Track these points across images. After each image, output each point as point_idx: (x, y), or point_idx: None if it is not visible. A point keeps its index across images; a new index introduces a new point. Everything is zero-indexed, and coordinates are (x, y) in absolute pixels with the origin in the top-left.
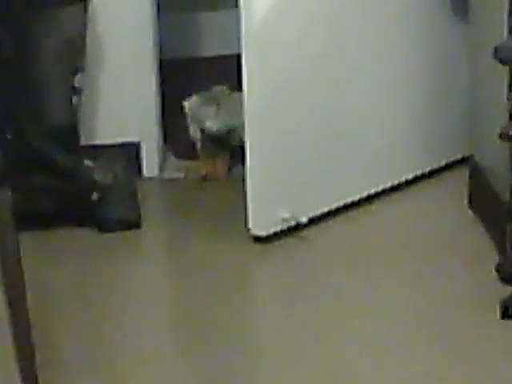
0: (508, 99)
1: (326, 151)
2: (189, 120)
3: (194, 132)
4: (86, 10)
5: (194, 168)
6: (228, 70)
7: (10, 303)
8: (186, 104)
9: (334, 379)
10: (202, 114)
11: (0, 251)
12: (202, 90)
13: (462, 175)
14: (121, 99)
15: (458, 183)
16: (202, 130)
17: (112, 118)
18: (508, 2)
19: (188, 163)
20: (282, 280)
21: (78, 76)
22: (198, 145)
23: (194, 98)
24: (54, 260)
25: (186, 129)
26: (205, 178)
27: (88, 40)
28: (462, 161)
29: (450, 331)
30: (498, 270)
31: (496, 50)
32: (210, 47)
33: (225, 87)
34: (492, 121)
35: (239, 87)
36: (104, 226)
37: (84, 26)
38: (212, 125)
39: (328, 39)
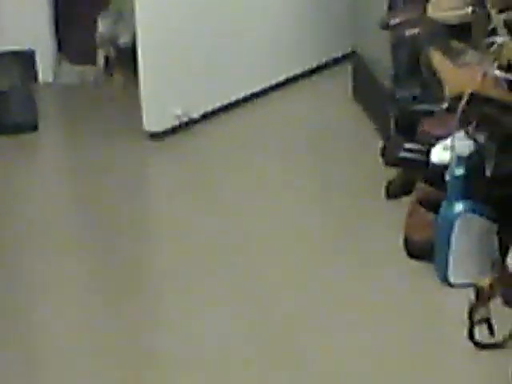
0: None
1: (214, 48)
2: (101, 40)
3: (107, 50)
4: None
5: (88, 72)
6: None
7: None
8: (100, 27)
9: (216, 255)
10: (116, 31)
11: None
12: None
13: (348, 70)
14: (15, 8)
15: (343, 78)
16: (116, 46)
17: (6, 27)
18: None
19: (82, 68)
20: (176, 172)
21: None
22: (111, 60)
23: (105, 19)
24: None
25: (80, 34)
26: (125, 87)
27: None
28: (347, 56)
29: (340, 212)
30: (382, 154)
31: None
32: None
33: None
34: (373, 13)
35: None
36: (2, 130)
37: None
38: (125, 39)
39: None
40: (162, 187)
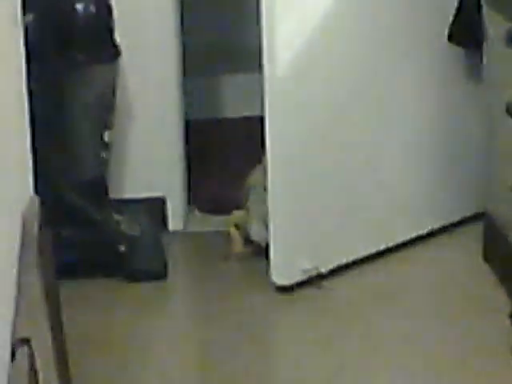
0: None
1: (345, 203)
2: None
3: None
4: (115, 69)
5: (218, 222)
6: (249, 131)
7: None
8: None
9: None
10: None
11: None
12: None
13: (477, 230)
14: (148, 155)
15: (473, 238)
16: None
17: (139, 174)
18: None
19: (212, 217)
20: (304, 329)
21: (108, 131)
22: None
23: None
24: (82, 309)
25: (210, 185)
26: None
27: (118, 97)
28: (477, 216)
29: (468, 376)
30: (511, 317)
31: (508, 106)
32: (233, 109)
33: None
34: (505, 175)
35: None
36: (131, 277)
37: (114, 84)
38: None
39: (347, 101)
40: (288, 341)
